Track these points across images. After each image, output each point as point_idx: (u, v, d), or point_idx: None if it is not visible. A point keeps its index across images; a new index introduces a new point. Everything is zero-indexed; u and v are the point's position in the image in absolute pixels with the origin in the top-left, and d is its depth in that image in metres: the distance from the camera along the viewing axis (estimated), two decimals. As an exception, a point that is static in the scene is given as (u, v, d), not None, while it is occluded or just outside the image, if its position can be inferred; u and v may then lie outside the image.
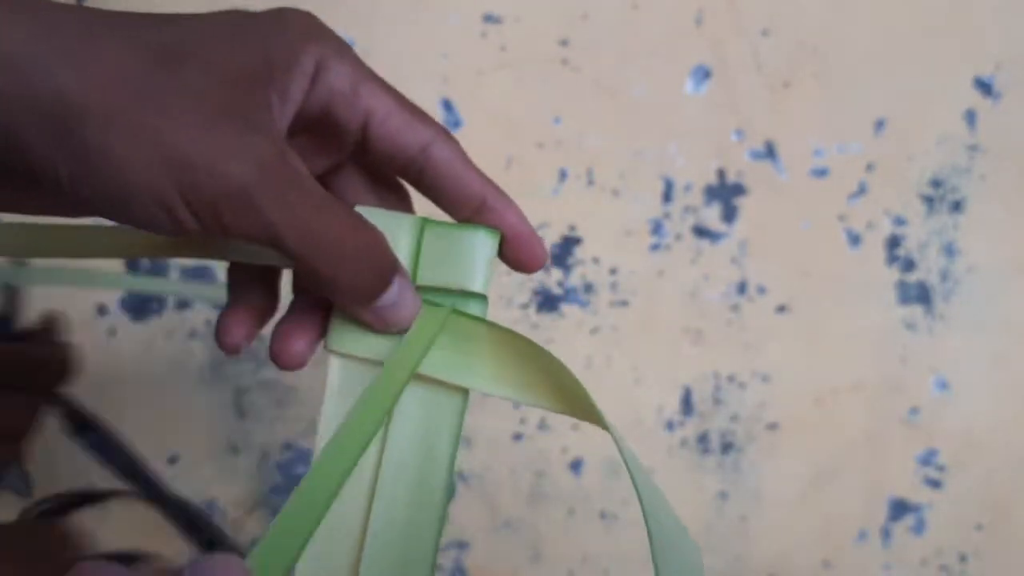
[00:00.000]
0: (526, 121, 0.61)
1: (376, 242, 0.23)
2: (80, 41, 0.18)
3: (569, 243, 0.63)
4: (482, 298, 0.26)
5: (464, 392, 0.26)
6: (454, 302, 0.26)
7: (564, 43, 0.60)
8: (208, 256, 0.27)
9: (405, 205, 0.28)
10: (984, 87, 0.63)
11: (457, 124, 0.60)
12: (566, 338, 0.64)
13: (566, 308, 0.63)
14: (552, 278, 0.63)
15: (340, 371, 0.26)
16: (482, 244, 0.26)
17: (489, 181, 0.25)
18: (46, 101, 0.18)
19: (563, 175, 0.62)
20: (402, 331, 0.25)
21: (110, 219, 0.21)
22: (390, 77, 0.61)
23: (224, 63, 0.20)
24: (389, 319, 0.24)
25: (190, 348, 0.61)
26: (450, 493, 0.25)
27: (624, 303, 0.64)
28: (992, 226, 0.65)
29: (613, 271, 0.63)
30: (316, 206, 0.21)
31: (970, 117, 0.63)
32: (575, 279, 0.63)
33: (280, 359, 0.25)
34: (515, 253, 0.26)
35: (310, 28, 0.22)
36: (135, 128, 0.18)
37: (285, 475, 0.63)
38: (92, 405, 0.61)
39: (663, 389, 0.65)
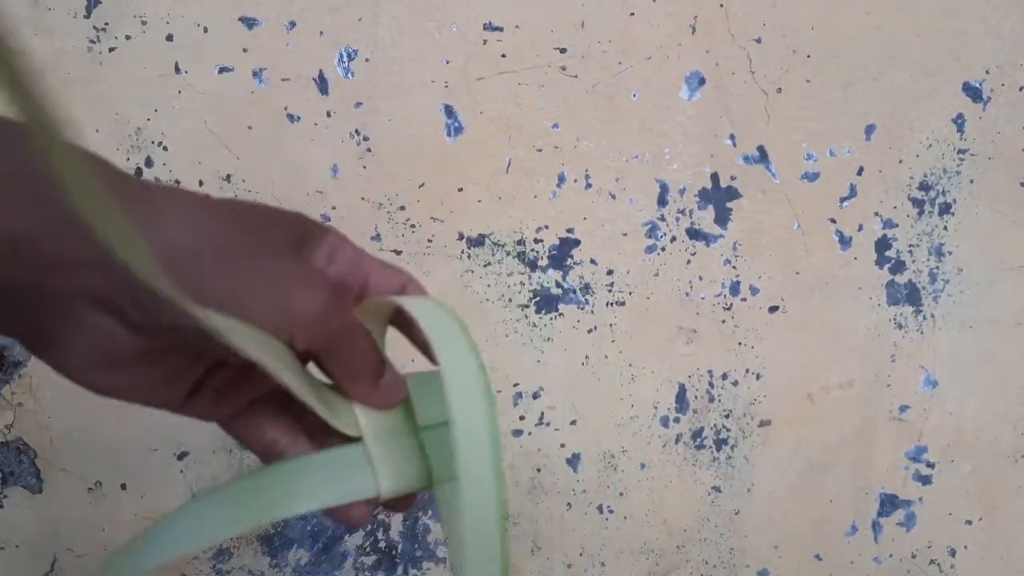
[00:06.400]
0: (525, 126, 0.61)
1: (374, 341, 0.31)
2: (173, 204, 0.25)
3: (567, 245, 0.63)
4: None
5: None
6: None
7: (562, 51, 0.61)
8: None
9: None
10: (973, 92, 0.64)
11: (459, 129, 0.61)
12: (565, 337, 0.65)
13: (564, 308, 0.64)
14: (551, 279, 0.64)
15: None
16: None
17: None
18: (169, 250, 0.23)
19: (561, 179, 0.62)
20: (395, 404, 0.31)
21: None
22: (394, 84, 0.62)
23: (275, 232, 0.27)
24: (392, 394, 0.31)
25: (199, 346, 0.62)
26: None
27: (621, 303, 0.64)
28: (980, 228, 0.65)
29: (610, 272, 0.64)
30: (355, 321, 0.29)
31: (959, 121, 0.64)
32: (573, 279, 0.64)
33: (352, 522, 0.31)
34: None
35: (317, 224, 0.30)
36: (245, 270, 0.25)
37: (291, 470, 0.64)
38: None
39: (659, 386, 0.66)
